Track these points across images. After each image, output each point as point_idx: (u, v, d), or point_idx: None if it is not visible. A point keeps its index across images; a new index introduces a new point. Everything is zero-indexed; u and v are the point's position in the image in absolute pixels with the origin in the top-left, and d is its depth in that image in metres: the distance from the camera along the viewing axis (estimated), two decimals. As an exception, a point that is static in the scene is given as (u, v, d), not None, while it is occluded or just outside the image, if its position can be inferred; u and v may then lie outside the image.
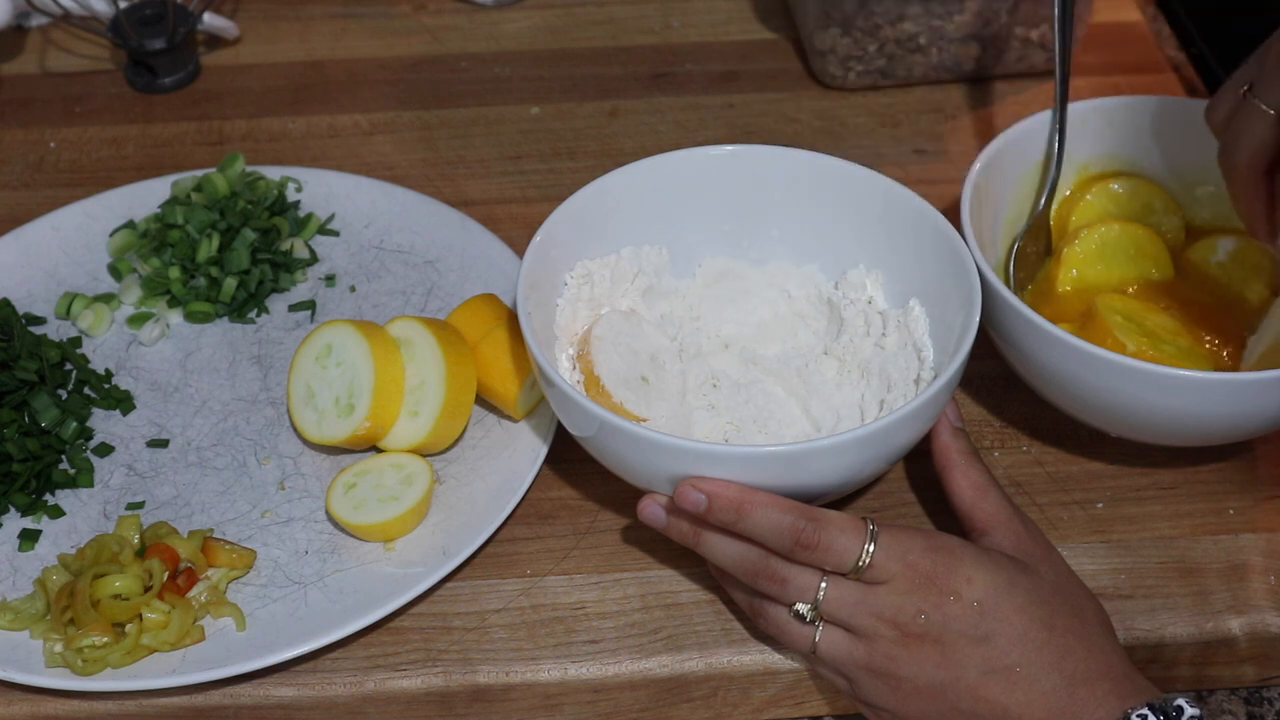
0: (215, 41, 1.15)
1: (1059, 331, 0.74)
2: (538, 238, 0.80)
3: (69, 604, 0.74)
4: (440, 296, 0.92)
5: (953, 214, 0.80)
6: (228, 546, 0.77)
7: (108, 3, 1.10)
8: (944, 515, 0.77)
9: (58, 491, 0.82)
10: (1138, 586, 0.77)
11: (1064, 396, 0.79)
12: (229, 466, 0.83)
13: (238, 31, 1.15)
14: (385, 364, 0.80)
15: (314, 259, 0.95)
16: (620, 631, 0.76)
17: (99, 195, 0.98)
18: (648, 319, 0.84)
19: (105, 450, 0.84)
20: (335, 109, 1.08)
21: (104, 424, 0.86)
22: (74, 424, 0.84)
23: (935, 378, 0.76)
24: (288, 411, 0.84)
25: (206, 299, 0.91)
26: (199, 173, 0.98)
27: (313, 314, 0.92)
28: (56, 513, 0.81)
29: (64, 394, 0.86)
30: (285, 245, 0.94)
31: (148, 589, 0.74)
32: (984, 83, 1.08)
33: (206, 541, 0.77)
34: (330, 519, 0.79)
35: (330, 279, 0.94)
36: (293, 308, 0.92)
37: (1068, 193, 0.89)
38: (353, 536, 0.79)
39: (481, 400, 0.84)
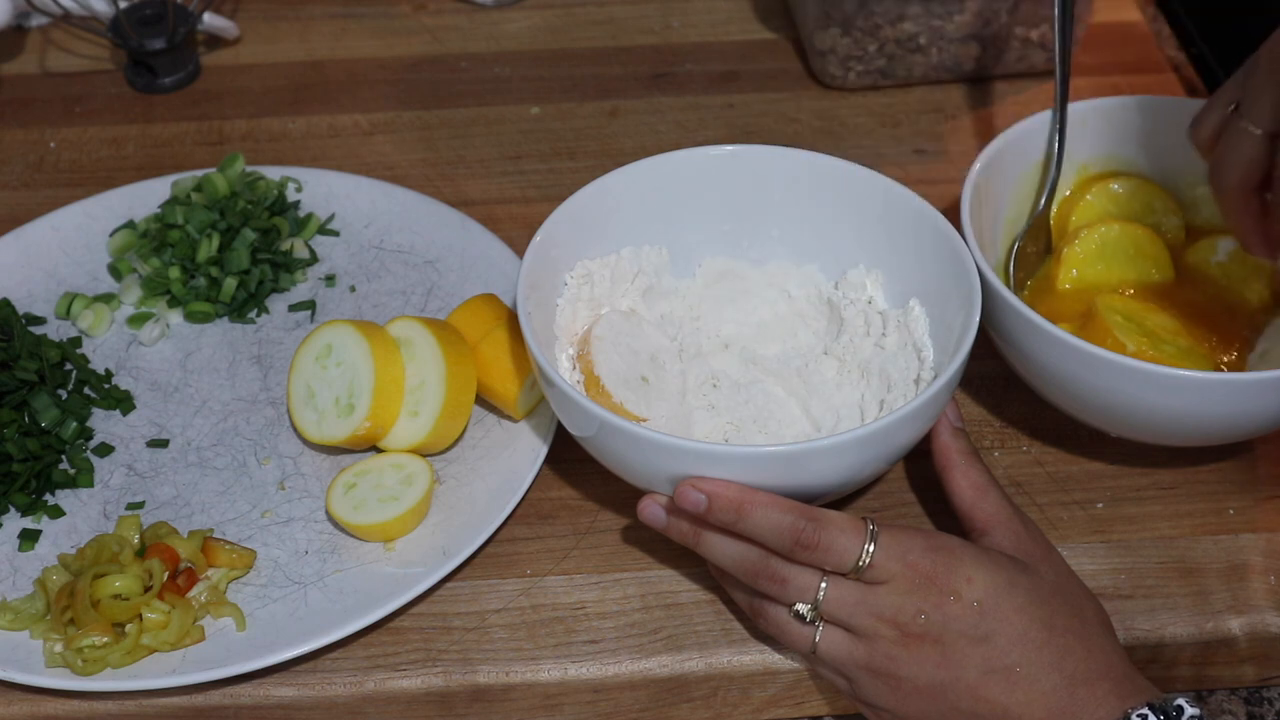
0: (215, 41, 1.15)
1: (1059, 331, 0.74)
2: (538, 238, 0.80)
3: (69, 604, 0.74)
4: (440, 296, 0.92)
5: (953, 214, 0.80)
6: (228, 546, 0.77)
7: (108, 3, 1.10)
8: (944, 515, 0.77)
9: (58, 491, 0.82)
10: (1138, 586, 0.77)
11: (1064, 396, 0.79)
12: (229, 466, 0.83)
13: (238, 31, 1.15)
14: (385, 364, 0.80)
15: (314, 259, 0.95)
16: (620, 631, 0.76)
17: (99, 195, 0.98)
18: (648, 319, 0.84)
19: (105, 450, 0.84)
20: (335, 109, 1.08)
21: (104, 424, 0.86)
22: (74, 424, 0.84)
23: (935, 378, 0.76)
24: (288, 411, 0.84)
25: (206, 299, 0.91)
26: (199, 173, 0.98)
27: (313, 314, 0.92)
28: (56, 513, 0.81)
29: (64, 394, 0.86)
30: (285, 245, 0.94)
31: (148, 589, 0.74)
32: (984, 83, 1.08)
33: (206, 541, 0.77)
34: (330, 519, 0.79)
35: (330, 279, 0.94)
36: (293, 308, 0.92)
37: (1068, 193, 0.89)
38: (353, 536, 0.79)
39: (481, 400, 0.84)
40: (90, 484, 0.82)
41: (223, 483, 0.82)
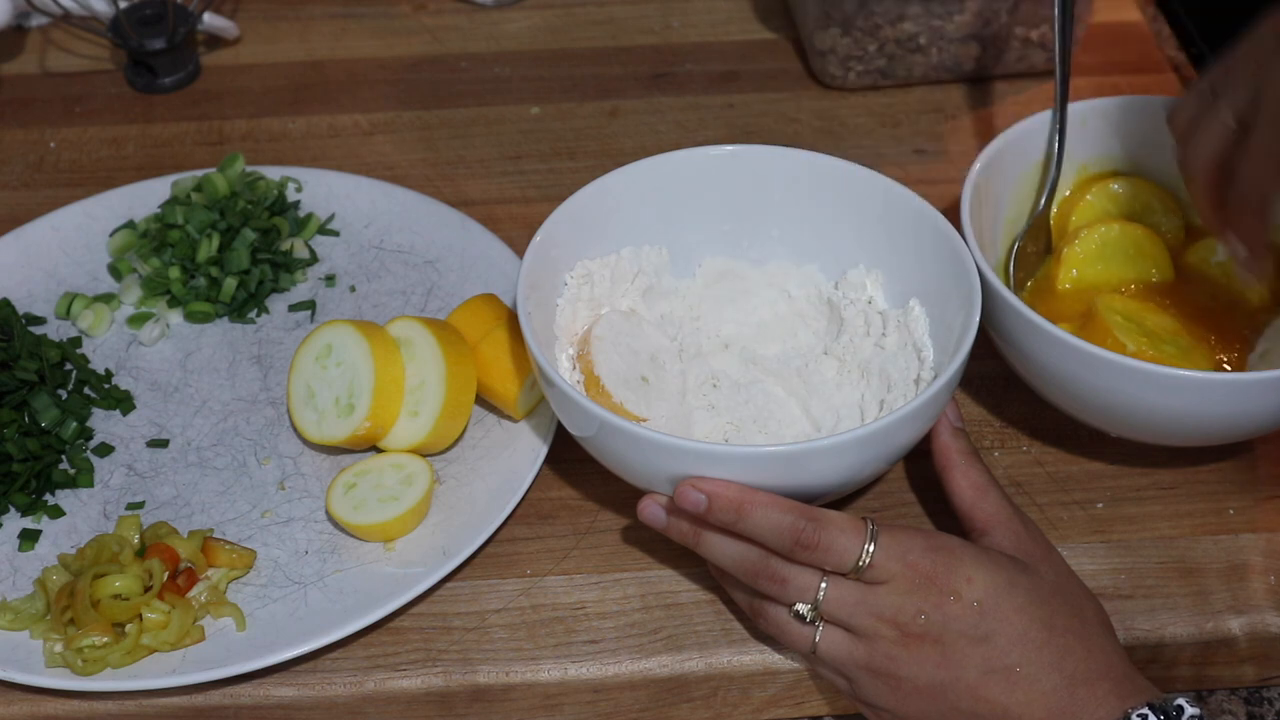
0: (215, 41, 1.15)
1: (1059, 331, 0.74)
2: (538, 238, 0.80)
3: (69, 604, 0.74)
4: (440, 296, 0.92)
5: (953, 214, 0.80)
6: (228, 546, 0.77)
7: (108, 3, 1.10)
8: (944, 515, 0.77)
9: (58, 491, 0.82)
10: (1138, 586, 0.77)
11: (1064, 396, 0.79)
12: (229, 466, 0.83)
13: (238, 31, 1.15)
14: (385, 364, 0.80)
15: (314, 259, 0.95)
16: (620, 631, 0.76)
17: (99, 195, 0.98)
18: (648, 319, 0.84)
19: (105, 450, 0.84)
20: (335, 109, 1.08)
21: (104, 424, 0.86)
22: (74, 424, 0.84)
23: (935, 378, 0.76)
24: (288, 411, 0.84)
25: (206, 299, 0.91)
26: (199, 173, 0.98)
27: (313, 314, 0.92)
28: (56, 513, 0.81)
29: (64, 394, 0.86)
30: (285, 245, 0.94)
31: (148, 589, 0.74)
32: (984, 83, 1.08)
33: (206, 541, 0.77)
34: (330, 519, 0.79)
35: (330, 279, 0.94)
36: (293, 308, 0.92)
37: (1068, 193, 0.89)
38: (353, 536, 0.79)
39: (481, 400, 0.84)
40: (90, 484, 0.82)
41: (223, 483, 0.82)
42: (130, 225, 0.96)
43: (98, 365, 0.89)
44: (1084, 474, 0.83)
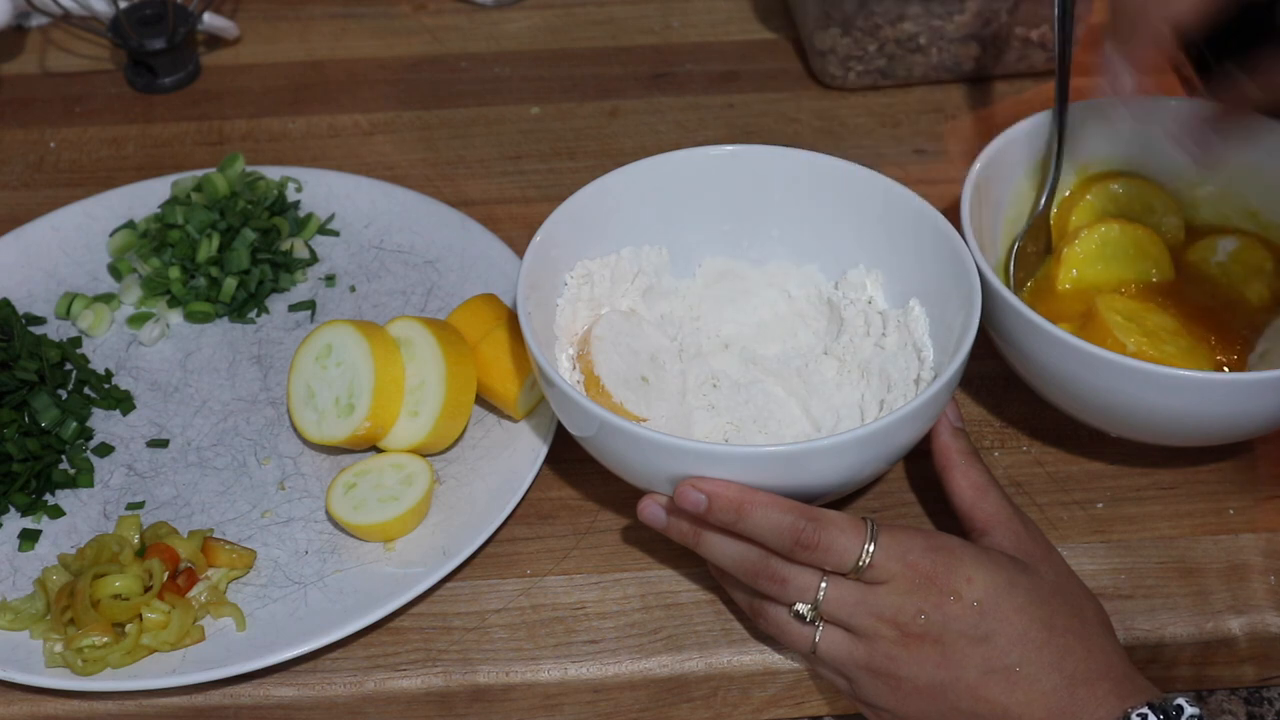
0: (215, 41, 1.15)
1: (1059, 331, 0.74)
2: (538, 238, 0.80)
3: (69, 604, 0.74)
4: (440, 296, 0.92)
5: (953, 214, 0.80)
6: (228, 546, 0.77)
7: (108, 3, 1.10)
8: (944, 515, 0.77)
9: (58, 491, 0.82)
10: (1138, 586, 0.77)
11: (1064, 396, 0.79)
12: (229, 466, 0.83)
13: (238, 31, 1.15)
14: (385, 364, 0.80)
15: (314, 259, 0.95)
16: (620, 631, 0.76)
17: (99, 195, 0.98)
18: (648, 319, 0.84)
19: (105, 450, 0.84)
20: (335, 109, 1.08)
21: (104, 424, 0.86)
22: (74, 424, 0.84)
23: (935, 378, 0.76)
24: (288, 411, 0.84)
25: (206, 299, 0.91)
26: (199, 173, 0.98)
27: (313, 314, 0.92)
28: (56, 513, 0.81)
29: (64, 394, 0.86)
30: (285, 245, 0.94)
31: (148, 589, 0.74)
32: (984, 83, 1.08)
33: (206, 541, 0.77)
34: (330, 519, 0.79)
35: (330, 279, 0.94)
36: (293, 308, 0.92)
37: (1068, 193, 0.89)
38: (353, 536, 0.79)
39: (481, 400, 0.84)
40: (90, 484, 0.82)
41: (223, 483, 0.82)
42: (130, 225, 0.96)
43: (98, 365, 0.89)
44: (1084, 474, 0.83)
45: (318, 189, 0.99)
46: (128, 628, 0.74)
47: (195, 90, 1.11)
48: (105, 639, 0.73)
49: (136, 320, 0.91)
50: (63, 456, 0.83)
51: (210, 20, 1.12)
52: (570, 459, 0.82)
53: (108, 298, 0.92)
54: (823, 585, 0.68)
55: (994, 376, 0.87)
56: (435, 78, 1.11)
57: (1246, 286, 0.84)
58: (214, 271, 0.91)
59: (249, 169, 0.98)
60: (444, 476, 0.82)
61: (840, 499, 0.79)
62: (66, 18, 1.10)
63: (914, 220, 0.81)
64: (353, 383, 0.80)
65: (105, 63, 1.14)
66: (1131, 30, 0.72)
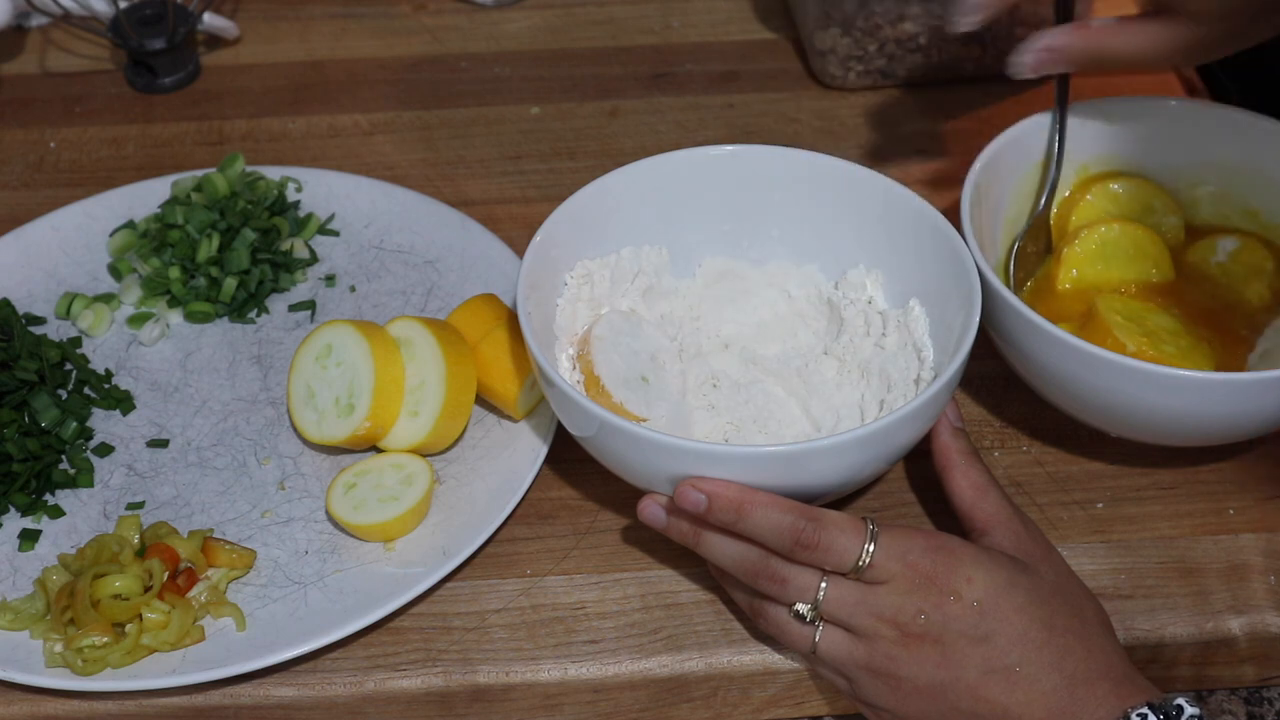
0: (215, 41, 1.15)
1: (1059, 331, 0.74)
2: (538, 238, 0.80)
3: (69, 604, 0.74)
4: (440, 296, 0.92)
5: (953, 214, 0.80)
6: (228, 546, 0.77)
7: (108, 3, 1.10)
8: (944, 515, 0.77)
9: (58, 491, 0.82)
10: (1138, 586, 0.77)
11: (1064, 396, 0.79)
12: (229, 466, 0.83)
13: (238, 31, 1.15)
14: (385, 364, 0.80)
15: (314, 259, 0.95)
16: (620, 631, 0.76)
17: (99, 195, 0.98)
18: (648, 319, 0.84)
19: (105, 450, 0.84)
20: (335, 109, 1.08)
21: (104, 424, 0.86)
22: (74, 424, 0.84)
23: (935, 378, 0.76)
24: (288, 411, 0.84)
25: (206, 299, 0.91)
26: (199, 173, 0.98)
27: (313, 314, 0.92)
28: (56, 513, 0.81)
29: (64, 394, 0.86)
30: (285, 245, 0.94)
31: (148, 589, 0.74)
32: (984, 83, 1.08)
33: (206, 541, 0.77)
34: (330, 519, 0.79)
35: (330, 279, 0.94)
36: (293, 308, 0.92)
37: (1067, 193, 0.89)
38: (353, 536, 0.79)
39: (481, 400, 0.84)
40: (90, 484, 0.82)
41: (223, 483, 0.82)
42: (130, 225, 0.96)
43: (98, 365, 0.89)
44: (1084, 474, 0.83)
45: (318, 189, 0.99)
46: (128, 628, 0.74)
47: (195, 90, 1.11)
48: (105, 639, 0.73)
49: (136, 320, 0.91)
50: (63, 456, 0.83)
51: (210, 20, 1.12)
52: (570, 459, 0.82)
53: (108, 298, 0.92)
54: (823, 585, 0.68)
55: (994, 376, 0.87)
56: (435, 78, 1.11)
57: (1246, 286, 0.84)
58: (214, 271, 0.91)
59: (249, 169, 0.98)
60: (444, 476, 0.82)
61: (840, 499, 0.79)
62: (66, 18, 1.10)
63: (914, 220, 0.81)
64: (353, 383, 0.80)
65: (105, 63, 1.14)
66: None
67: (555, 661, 0.75)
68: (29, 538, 0.80)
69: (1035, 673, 0.65)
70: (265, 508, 0.81)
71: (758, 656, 0.75)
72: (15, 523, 0.81)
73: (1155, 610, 0.76)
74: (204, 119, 1.08)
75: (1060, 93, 0.87)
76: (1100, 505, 0.81)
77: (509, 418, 0.84)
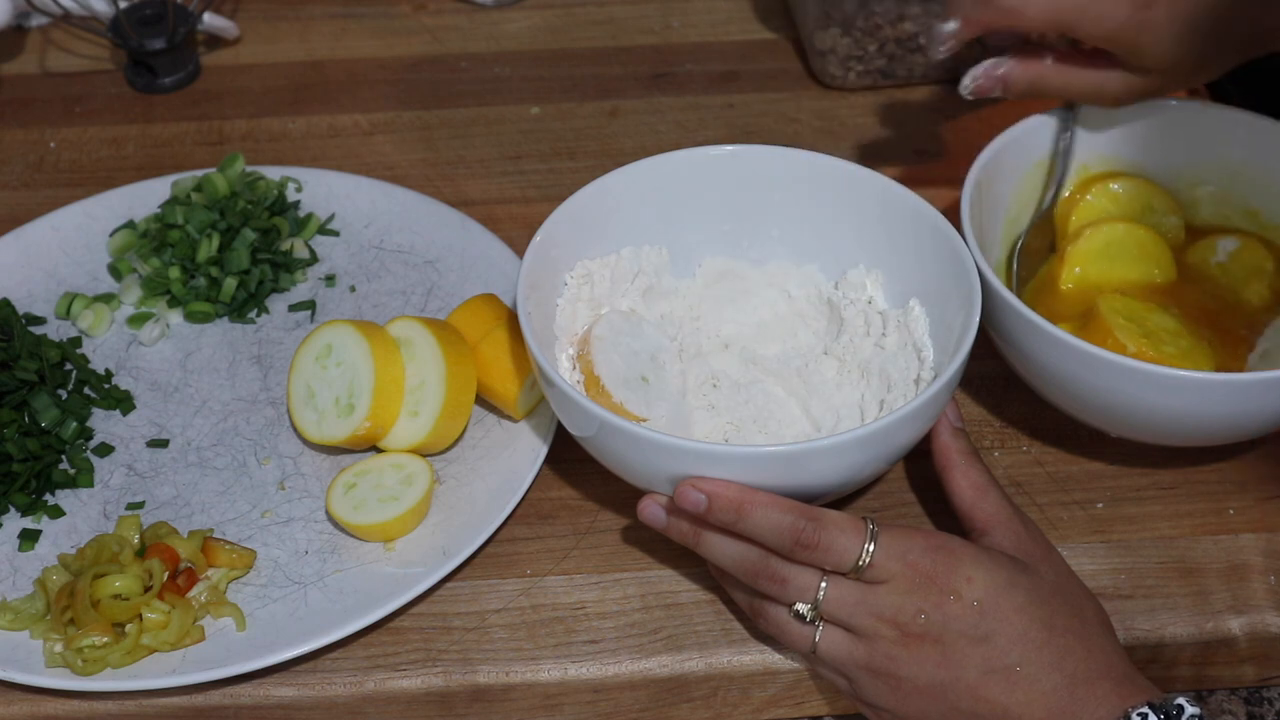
0: (215, 41, 1.15)
1: (1059, 331, 0.74)
2: (538, 238, 0.80)
3: (69, 604, 0.74)
4: (440, 296, 0.92)
5: (953, 214, 0.80)
6: (228, 546, 0.77)
7: (108, 3, 1.10)
8: (944, 515, 0.77)
9: (58, 491, 0.82)
10: (1138, 586, 0.77)
11: (1064, 396, 0.79)
12: (229, 466, 0.83)
13: (238, 31, 1.15)
14: (385, 364, 0.80)
15: (314, 259, 0.95)
16: (620, 631, 0.76)
17: (99, 195, 0.98)
18: (648, 319, 0.84)
19: (105, 450, 0.84)
20: (335, 109, 1.09)
21: (104, 424, 0.86)
22: (74, 424, 0.84)
23: (935, 378, 0.76)
24: (288, 411, 0.84)
25: (206, 299, 0.91)
26: (199, 173, 0.98)
27: (313, 314, 0.92)
28: (56, 513, 0.81)
29: (64, 394, 0.86)
30: (285, 245, 0.94)
31: (148, 589, 0.74)
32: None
33: (206, 541, 0.77)
34: (330, 519, 0.79)
35: (330, 279, 0.94)
36: (293, 308, 0.92)
37: (1068, 193, 0.89)
38: (353, 536, 0.79)
39: (481, 400, 0.84)
40: (90, 484, 0.82)
41: (223, 483, 0.82)
42: (130, 225, 0.96)
43: (98, 365, 0.89)
44: (1084, 474, 0.83)
45: (318, 189, 0.99)
46: (128, 628, 0.74)
47: (195, 90, 1.11)
48: (105, 639, 0.73)
49: (136, 320, 0.91)
50: (63, 456, 0.83)
51: (210, 20, 1.12)
52: (570, 459, 0.82)
53: (108, 298, 0.92)
54: (823, 585, 0.68)
55: (994, 376, 0.87)
56: (435, 78, 1.11)
57: (1246, 286, 0.84)
58: (214, 271, 0.91)
59: (249, 169, 0.98)
60: (444, 476, 0.82)
61: (840, 499, 0.79)
62: (66, 18, 1.11)
63: (914, 220, 0.81)
64: (353, 383, 0.80)
65: (105, 63, 1.14)
66: None
67: (555, 661, 0.75)
68: (29, 538, 0.80)
69: (1035, 672, 0.65)
70: (265, 508, 0.81)
71: (758, 656, 0.75)
72: (15, 523, 0.81)
73: (1155, 610, 0.76)
74: (204, 119, 1.08)
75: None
76: (1100, 505, 0.81)
77: (509, 418, 0.84)
